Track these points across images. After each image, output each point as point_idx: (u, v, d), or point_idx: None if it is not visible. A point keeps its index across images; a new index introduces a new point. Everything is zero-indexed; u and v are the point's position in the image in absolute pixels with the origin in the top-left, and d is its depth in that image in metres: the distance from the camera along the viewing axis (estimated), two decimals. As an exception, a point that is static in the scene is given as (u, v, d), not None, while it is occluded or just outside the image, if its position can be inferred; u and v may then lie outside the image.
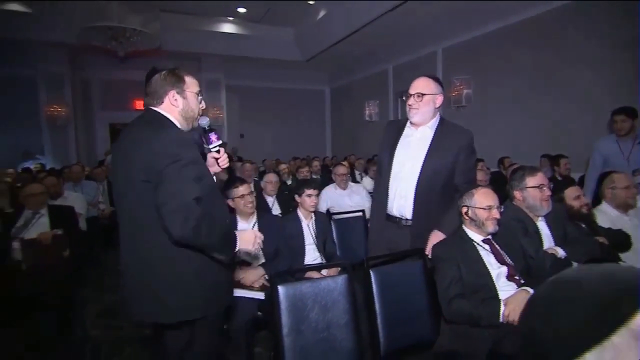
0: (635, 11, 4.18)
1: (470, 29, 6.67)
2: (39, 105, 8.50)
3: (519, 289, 1.66)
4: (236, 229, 2.44)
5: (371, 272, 1.83)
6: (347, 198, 3.90)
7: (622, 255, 2.21)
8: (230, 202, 2.56)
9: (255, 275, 2.33)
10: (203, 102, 1.58)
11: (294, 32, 9.38)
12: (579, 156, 4.55)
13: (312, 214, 2.78)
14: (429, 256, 1.91)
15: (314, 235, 2.71)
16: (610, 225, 2.32)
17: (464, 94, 6.82)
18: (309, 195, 2.70)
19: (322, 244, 2.74)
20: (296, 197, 2.77)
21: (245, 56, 9.46)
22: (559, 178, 4.23)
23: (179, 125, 1.48)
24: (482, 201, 1.78)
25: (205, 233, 1.29)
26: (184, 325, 1.50)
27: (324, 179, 5.32)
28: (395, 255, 2.01)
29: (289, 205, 3.78)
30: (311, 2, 7.91)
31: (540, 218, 2.03)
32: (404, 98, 2.11)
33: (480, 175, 3.33)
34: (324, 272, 2.47)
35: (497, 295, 1.65)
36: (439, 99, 2.03)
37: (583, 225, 2.27)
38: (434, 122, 2.06)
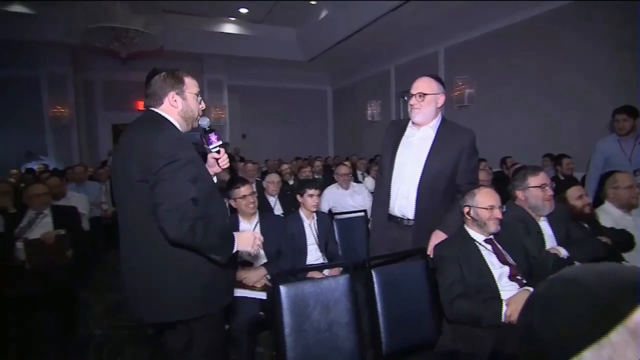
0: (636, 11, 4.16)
1: (472, 28, 6.65)
2: (42, 106, 8.56)
3: (521, 289, 1.66)
4: (238, 229, 2.45)
5: (373, 272, 1.83)
6: (349, 198, 3.91)
7: (625, 255, 2.21)
8: (232, 203, 2.57)
9: (257, 275, 2.34)
10: (203, 102, 1.59)
11: (295, 32, 9.39)
12: (581, 156, 4.53)
13: (314, 214, 2.78)
14: (431, 256, 1.91)
15: (315, 235, 2.71)
16: (614, 225, 2.31)
17: (466, 94, 6.82)
18: (311, 195, 2.71)
19: (324, 244, 2.74)
20: (298, 197, 2.77)
21: (248, 56, 9.47)
22: (562, 178, 4.21)
23: (178, 126, 1.49)
24: (484, 201, 1.78)
25: (201, 234, 1.29)
26: (183, 324, 1.50)
27: (326, 179, 5.32)
28: (397, 255, 2.01)
29: (291, 205, 3.79)
30: (313, 2, 7.92)
31: (542, 218, 2.02)
32: (405, 98, 2.11)
33: (483, 175, 3.32)
34: (326, 272, 2.47)
35: (499, 295, 1.65)
36: (441, 99, 2.03)
37: (586, 225, 2.27)
38: (435, 122, 2.06)
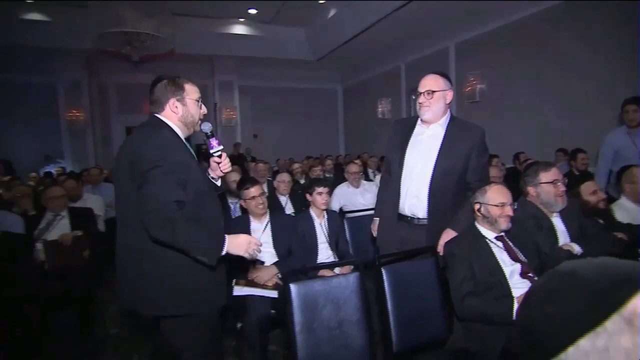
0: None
1: (482, 23, 6.56)
2: (59, 111, 8.81)
3: (533, 286, 1.64)
4: (249, 229, 2.48)
5: (383, 270, 1.83)
6: (360, 196, 3.90)
7: (642, 252, 2.16)
8: (242, 203, 2.60)
9: (268, 274, 2.36)
10: (204, 107, 1.65)
11: (304, 31, 9.41)
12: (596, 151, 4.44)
13: (325, 212, 2.79)
14: (441, 254, 1.90)
15: (326, 234, 2.72)
16: (631, 220, 2.26)
17: (477, 89, 6.74)
18: (320, 193, 2.72)
19: (335, 243, 2.75)
20: (307, 195, 2.78)
21: (257, 57, 9.54)
22: (576, 173, 4.12)
23: (179, 131, 1.56)
24: (494, 198, 1.76)
25: (183, 236, 1.34)
26: (171, 321, 1.54)
27: (337, 178, 5.32)
28: (407, 253, 2.01)
29: (302, 205, 3.80)
30: (321, 2, 7.91)
31: (555, 214, 1.99)
32: (413, 97, 2.11)
33: (495, 172, 3.27)
34: (336, 270, 2.48)
35: (510, 292, 1.63)
36: (449, 95, 2.02)
37: (601, 221, 2.23)
38: (445, 120, 2.05)
